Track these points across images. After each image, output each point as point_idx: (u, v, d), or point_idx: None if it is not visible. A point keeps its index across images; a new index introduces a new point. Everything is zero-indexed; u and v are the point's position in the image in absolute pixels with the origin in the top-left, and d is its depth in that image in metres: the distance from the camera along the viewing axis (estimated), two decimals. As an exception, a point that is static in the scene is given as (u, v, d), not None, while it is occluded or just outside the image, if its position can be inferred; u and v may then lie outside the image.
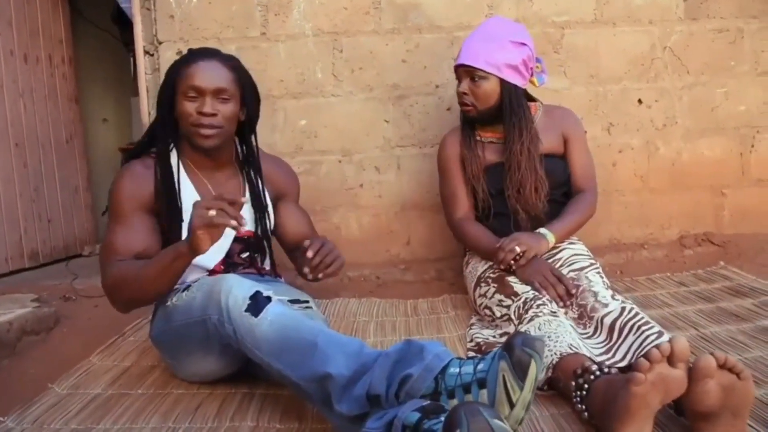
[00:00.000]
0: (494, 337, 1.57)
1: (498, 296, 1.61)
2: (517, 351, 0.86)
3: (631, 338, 1.29)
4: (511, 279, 1.62)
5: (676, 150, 2.30)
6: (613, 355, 1.28)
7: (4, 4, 2.47)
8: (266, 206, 1.57)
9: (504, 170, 1.79)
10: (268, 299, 1.11)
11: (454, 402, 0.88)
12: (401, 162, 2.25)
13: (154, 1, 2.16)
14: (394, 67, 2.21)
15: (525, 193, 1.77)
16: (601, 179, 2.27)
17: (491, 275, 1.70)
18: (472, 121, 1.82)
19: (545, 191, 1.77)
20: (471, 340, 1.61)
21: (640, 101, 2.28)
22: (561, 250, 1.73)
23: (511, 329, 1.49)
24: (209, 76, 1.39)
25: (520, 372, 0.85)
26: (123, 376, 1.50)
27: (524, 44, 1.76)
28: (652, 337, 1.25)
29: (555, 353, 1.23)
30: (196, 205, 1.20)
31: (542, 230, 1.70)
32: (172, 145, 1.44)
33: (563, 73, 2.25)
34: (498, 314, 1.59)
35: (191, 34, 2.16)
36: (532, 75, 1.84)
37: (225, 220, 1.15)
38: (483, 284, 1.72)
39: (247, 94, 1.46)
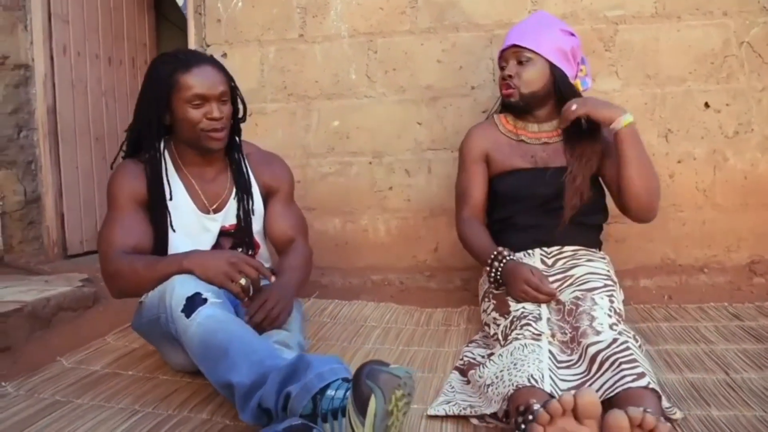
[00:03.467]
0: (482, 356, 1.47)
1: (494, 314, 1.51)
2: (359, 383, 0.79)
3: (608, 375, 1.14)
4: (510, 297, 1.51)
5: (750, 161, 2.00)
6: (585, 392, 1.14)
7: (92, 12, 2.75)
8: (251, 199, 1.56)
9: (540, 176, 1.67)
10: (204, 301, 1.13)
11: (327, 426, 0.83)
12: (432, 166, 2.18)
13: (205, 6, 2.28)
14: (428, 68, 2.14)
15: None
16: (656, 191, 2.04)
17: (493, 290, 1.60)
18: (512, 109, 1.70)
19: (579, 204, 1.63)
20: (462, 357, 1.52)
21: (707, 105, 2.01)
22: (575, 267, 1.58)
23: (497, 350, 1.39)
24: (210, 82, 1.41)
25: (360, 407, 0.78)
26: (125, 357, 1.62)
27: (573, 35, 1.69)
28: (628, 379, 1.09)
29: (512, 384, 1.13)
30: (235, 259, 1.26)
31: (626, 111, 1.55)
32: (162, 147, 1.49)
33: (615, 73, 2.04)
34: (491, 332, 1.50)
35: (235, 37, 2.26)
36: (576, 76, 1.72)
37: (240, 294, 1.24)
38: (486, 299, 1.62)
39: (236, 91, 1.49)
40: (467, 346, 1.60)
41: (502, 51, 1.70)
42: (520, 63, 1.64)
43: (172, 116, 1.44)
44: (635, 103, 2.03)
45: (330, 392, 0.88)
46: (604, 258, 1.66)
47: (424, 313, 1.96)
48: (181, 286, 1.18)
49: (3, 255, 2.43)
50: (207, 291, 1.17)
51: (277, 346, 1.20)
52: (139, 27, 3.10)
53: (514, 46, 1.65)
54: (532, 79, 1.63)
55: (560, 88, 1.65)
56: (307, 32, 2.21)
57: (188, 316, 1.11)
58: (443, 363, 1.55)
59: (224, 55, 2.26)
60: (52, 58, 2.51)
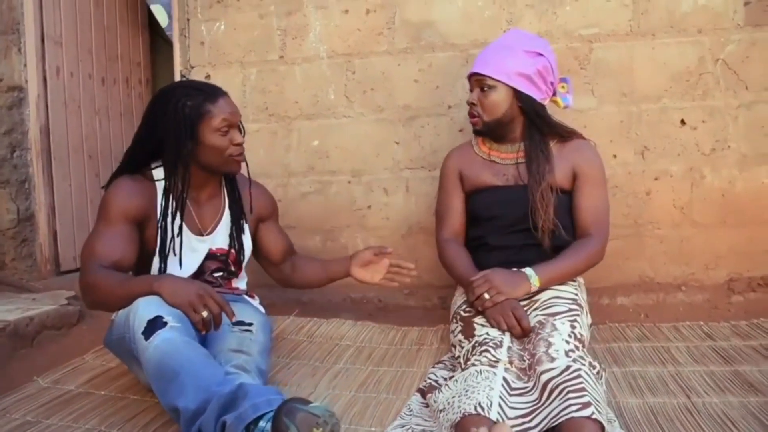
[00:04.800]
0: (444, 379, 1.48)
1: (459, 336, 1.52)
2: (277, 420, 0.82)
3: (555, 403, 1.15)
4: (477, 320, 1.51)
5: (727, 179, 1.98)
6: (531, 420, 1.15)
7: (86, 33, 2.82)
8: (243, 225, 1.65)
9: (512, 194, 1.68)
10: (164, 324, 1.16)
11: (260, 455, 0.86)
12: (410, 184, 2.19)
13: (189, 29, 2.33)
14: (405, 88, 2.16)
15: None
16: (633, 209, 2.05)
17: (462, 312, 1.60)
18: (481, 135, 1.73)
19: (549, 229, 1.62)
20: (426, 379, 1.54)
21: (683, 122, 2.00)
22: (542, 290, 1.58)
23: (457, 373, 1.40)
24: (233, 110, 1.52)
25: (279, 442, 0.80)
26: (101, 376, 1.65)
27: (540, 54, 1.65)
28: (573, 408, 1.10)
29: (460, 411, 1.14)
30: (203, 292, 1.28)
31: (528, 270, 1.55)
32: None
33: (590, 92, 2.04)
34: (456, 354, 1.51)
35: (218, 59, 2.30)
36: (554, 93, 1.72)
37: (198, 324, 1.26)
38: (454, 321, 1.63)
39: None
40: (434, 366, 1.61)
41: (468, 76, 1.72)
42: (482, 90, 1.65)
43: (196, 144, 1.49)
44: (611, 121, 2.03)
45: (262, 423, 0.91)
46: (575, 281, 1.65)
47: (400, 332, 1.98)
48: (144, 309, 1.21)
49: (-4, 272, 2.49)
50: (169, 315, 1.20)
51: (234, 371, 1.22)
52: (133, 46, 3.16)
53: (476, 73, 1.66)
54: (493, 106, 1.64)
55: (526, 112, 1.66)
56: (287, 54, 2.25)
57: (147, 338, 1.15)
58: (409, 384, 1.56)
59: (207, 76, 2.31)
60: (45, 80, 2.57)
